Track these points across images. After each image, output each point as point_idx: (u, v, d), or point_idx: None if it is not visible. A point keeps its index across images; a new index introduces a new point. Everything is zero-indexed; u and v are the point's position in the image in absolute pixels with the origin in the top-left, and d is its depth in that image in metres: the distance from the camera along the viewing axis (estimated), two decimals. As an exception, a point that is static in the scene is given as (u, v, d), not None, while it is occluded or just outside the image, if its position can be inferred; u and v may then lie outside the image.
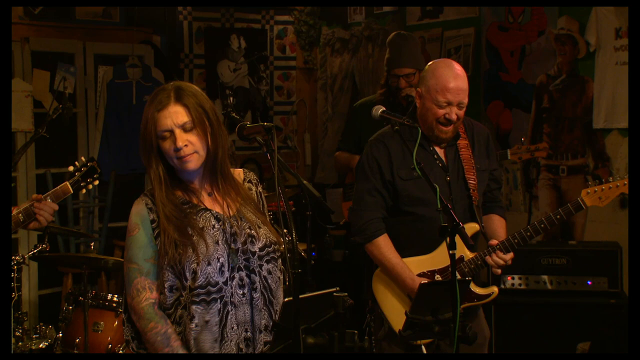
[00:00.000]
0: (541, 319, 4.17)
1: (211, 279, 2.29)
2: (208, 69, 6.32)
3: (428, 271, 3.08)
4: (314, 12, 6.57)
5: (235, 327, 2.31)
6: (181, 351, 2.27)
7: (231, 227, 2.36)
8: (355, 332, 2.25)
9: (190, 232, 2.31)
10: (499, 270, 3.11)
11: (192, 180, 2.41)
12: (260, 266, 2.37)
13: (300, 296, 2.11)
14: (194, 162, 2.33)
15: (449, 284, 2.46)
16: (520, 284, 4.24)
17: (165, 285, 2.30)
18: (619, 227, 4.37)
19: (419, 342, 2.90)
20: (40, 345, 4.18)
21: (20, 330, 4.15)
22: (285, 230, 2.20)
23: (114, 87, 5.76)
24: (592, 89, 4.74)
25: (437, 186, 2.65)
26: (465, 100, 3.03)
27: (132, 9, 5.87)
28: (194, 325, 2.28)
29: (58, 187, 2.98)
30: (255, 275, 2.36)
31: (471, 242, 2.59)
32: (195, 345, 2.29)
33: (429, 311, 2.53)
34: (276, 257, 2.42)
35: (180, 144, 2.29)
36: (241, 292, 2.33)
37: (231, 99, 3.10)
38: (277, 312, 2.36)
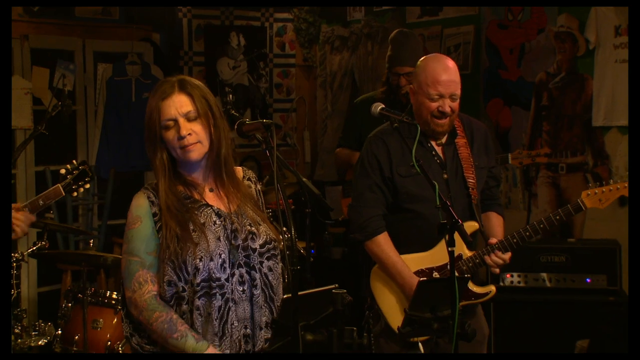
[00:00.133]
0: (540, 317, 4.18)
1: (213, 275, 2.29)
2: (207, 67, 6.31)
3: (426, 268, 3.08)
4: (314, 10, 6.57)
5: (236, 324, 2.31)
6: (189, 333, 2.25)
7: (232, 223, 2.36)
8: (354, 329, 2.24)
9: (191, 228, 2.30)
10: (498, 270, 3.11)
11: (194, 174, 2.39)
12: (261, 263, 2.37)
13: (299, 293, 2.11)
14: (197, 152, 2.32)
15: (447, 281, 2.46)
16: (519, 282, 4.24)
17: (164, 279, 2.29)
18: (618, 225, 4.37)
19: (416, 339, 2.91)
20: (40, 342, 4.18)
21: (20, 327, 4.15)
22: (284, 228, 2.19)
23: (113, 85, 5.76)
24: (591, 86, 4.74)
25: (436, 183, 2.65)
26: (458, 92, 3.02)
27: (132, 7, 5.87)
28: (197, 316, 2.27)
29: (50, 190, 2.99)
30: (256, 272, 2.35)
31: (470, 239, 2.59)
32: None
33: (428, 308, 2.53)
34: (276, 254, 2.41)
35: (184, 132, 2.28)
36: (241, 289, 2.32)
37: (230, 96, 3.10)
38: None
